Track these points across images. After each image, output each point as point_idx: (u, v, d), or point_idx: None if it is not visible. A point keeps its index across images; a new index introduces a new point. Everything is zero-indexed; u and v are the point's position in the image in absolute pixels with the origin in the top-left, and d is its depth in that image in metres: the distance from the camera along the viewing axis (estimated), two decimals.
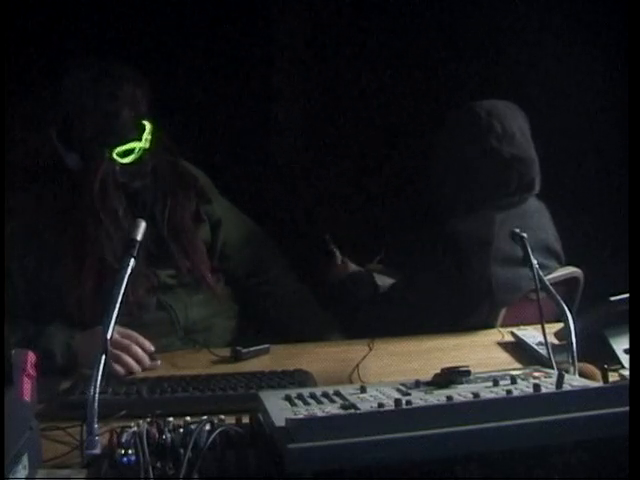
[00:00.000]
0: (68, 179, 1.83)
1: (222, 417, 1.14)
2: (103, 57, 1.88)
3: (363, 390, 1.23)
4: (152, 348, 1.71)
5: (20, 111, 1.86)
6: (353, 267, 2.29)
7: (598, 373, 1.43)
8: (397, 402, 1.06)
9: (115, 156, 1.79)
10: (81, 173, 1.81)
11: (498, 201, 1.95)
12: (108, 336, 1.26)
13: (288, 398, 1.21)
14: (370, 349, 1.77)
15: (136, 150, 1.81)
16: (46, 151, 1.81)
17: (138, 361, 1.67)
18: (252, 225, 2.17)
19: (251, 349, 1.77)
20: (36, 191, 1.85)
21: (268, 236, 2.21)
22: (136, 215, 1.83)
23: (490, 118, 1.94)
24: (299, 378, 1.50)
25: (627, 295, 1.40)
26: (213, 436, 1.07)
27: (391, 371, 1.62)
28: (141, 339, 1.71)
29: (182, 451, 1.05)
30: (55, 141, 1.81)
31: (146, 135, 1.83)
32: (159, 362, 1.71)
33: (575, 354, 1.40)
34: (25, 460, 1.07)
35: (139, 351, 1.68)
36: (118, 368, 1.64)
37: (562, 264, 2.06)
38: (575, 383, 1.21)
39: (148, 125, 1.84)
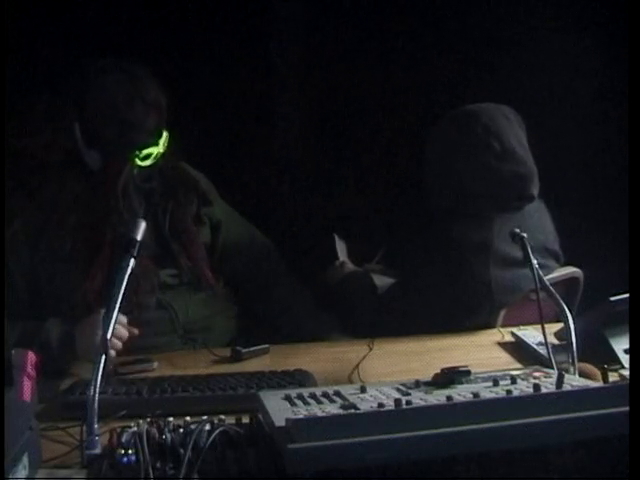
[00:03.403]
0: (86, 177, 1.84)
1: (222, 417, 1.14)
2: (121, 58, 1.90)
3: (363, 390, 1.23)
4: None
5: (47, 103, 1.86)
6: (351, 268, 2.29)
7: (598, 373, 1.43)
8: (397, 402, 1.07)
9: (137, 159, 1.82)
10: (103, 173, 1.82)
11: (497, 206, 1.94)
12: (108, 336, 1.26)
13: (288, 398, 1.21)
14: (370, 349, 1.77)
15: (153, 155, 1.84)
16: (66, 147, 1.81)
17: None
18: (251, 228, 2.17)
19: (251, 349, 1.77)
20: (50, 187, 1.85)
21: (267, 239, 2.20)
22: (146, 215, 1.86)
23: (488, 136, 1.91)
24: (299, 378, 1.50)
25: (627, 295, 1.40)
26: (213, 436, 1.07)
27: (391, 371, 1.62)
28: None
29: (182, 451, 1.06)
30: (78, 138, 1.81)
31: (163, 141, 1.85)
32: (156, 363, 1.71)
33: (575, 354, 1.40)
34: (25, 460, 1.07)
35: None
36: None
37: (561, 264, 2.06)
38: (575, 383, 1.21)
39: (165, 132, 1.86)
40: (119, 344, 1.68)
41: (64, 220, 1.82)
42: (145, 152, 1.83)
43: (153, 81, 1.87)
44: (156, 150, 1.84)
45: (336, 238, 2.36)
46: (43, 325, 1.73)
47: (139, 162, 1.83)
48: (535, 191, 1.96)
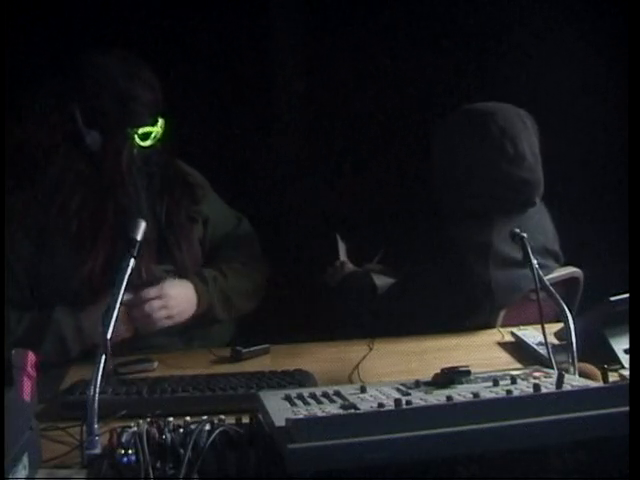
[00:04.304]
0: (89, 158, 1.83)
1: (222, 417, 1.14)
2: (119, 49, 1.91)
3: (363, 390, 1.24)
4: None
5: (44, 88, 1.86)
6: (351, 268, 2.29)
7: (598, 373, 1.43)
8: (397, 402, 1.07)
9: (137, 138, 1.82)
10: (105, 150, 1.83)
11: (500, 208, 1.94)
12: (108, 336, 1.26)
13: (288, 398, 1.21)
14: (370, 349, 1.77)
15: (152, 135, 1.85)
16: (68, 130, 1.81)
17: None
18: (237, 221, 2.14)
19: (251, 349, 1.77)
20: (53, 171, 1.84)
21: (251, 229, 2.18)
22: (147, 197, 1.88)
23: (503, 138, 1.89)
24: (299, 378, 1.50)
25: (627, 295, 1.40)
26: (213, 436, 1.07)
27: (391, 371, 1.62)
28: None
29: (182, 451, 1.06)
30: (78, 118, 1.81)
31: (160, 124, 1.86)
32: (156, 363, 1.71)
33: (575, 354, 1.39)
34: (25, 460, 1.07)
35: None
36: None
37: (561, 264, 2.06)
38: (575, 383, 1.21)
39: (161, 119, 1.87)
40: None
41: (69, 200, 1.81)
42: (144, 130, 1.83)
43: (148, 66, 1.88)
44: (154, 130, 1.84)
45: (338, 238, 2.36)
46: (51, 316, 1.74)
47: (139, 141, 1.83)
48: (538, 199, 1.96)
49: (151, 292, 1.79)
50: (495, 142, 1.89)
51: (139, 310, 1.77)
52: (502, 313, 1.96)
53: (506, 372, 1.32)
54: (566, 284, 2.05)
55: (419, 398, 1.15)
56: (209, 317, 1.93)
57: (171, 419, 1.14)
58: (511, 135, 1.90)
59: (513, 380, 1.23)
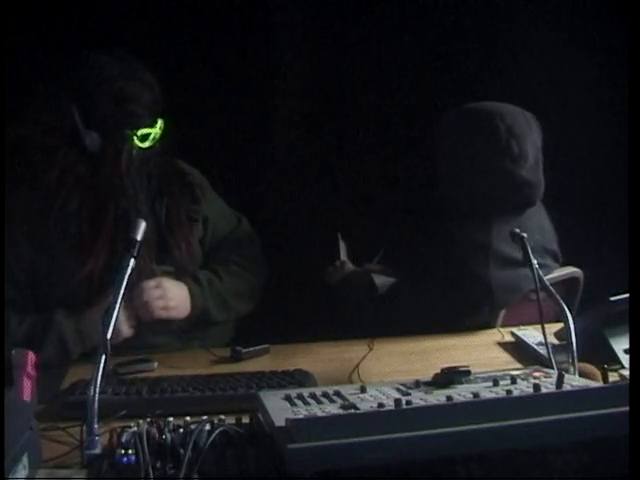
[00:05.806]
0: (88, 158, 1.83)
1: (222, 417, 1.14)
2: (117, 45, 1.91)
3: (363, 390, 1.24)
4: None
5: (43, 87, 1.86)
6: (351, 268, 2.29)
7: (598, 373, 1.43)
8: (397, 402, 1.07)
9: (136, 139, 1.83)
10: (105, 151, 1.83)
11: (501, 208, 1.94)
12: (108, 336, 1.26)
13: (288, 398, 1.21)
14: (370, 349, 1.77)
15: (151, 136, 1.85)
16: (66, 131, 1.81)
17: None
18: (237, 221, 2.14)
19: (251, 349, 1.77)
20: (52, 171, 1.83)
21: (252, 230, 2.18)
22: (147, 197, 1.88)
23: (509, 137, 1.89)
24: (299, 378, 1.50)
25: (627, 295, 1.40)
26: (213, 436, 1.07)
27: (391, 371, 1.62)
28: None
29: (182, 451, 1.06)
30: (76, 119, 1.82)
31: (159, 124, 1.86)
32: (156, 364, 1.71)
33: (575, 354, 1.40)
34: (25, 460, 1.07)
35: None
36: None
37: (560, 264, 2.06)
38: (575, 383, 1.21)
39: (161, 120, 1.87)
40: None
41: (68, 202, 1.81)
42: (143, 132, 1.83)
43: (147, 67, 1.89)
44: (153, 131, 1.85)
45: (339, 238, 2.36)
46: (51, 319, 1.74)
47: (138, 143, 1.83)
48: (538, 200, 1.97)
49: (150, 282, 1.82)
50: (502, 140, 1.89)
51: (137, 298, 1.79)
52: (502, 313, 1.96)
53: (506, 372, 1.32)
54: (566, 284, 2.05)
55: (419, 398, 1.15)
56: (205, 319, 1.93)
57: (171, 419, 1.14)
58: (517, 135, 1.90)
59: (513, 380, 1.23)
